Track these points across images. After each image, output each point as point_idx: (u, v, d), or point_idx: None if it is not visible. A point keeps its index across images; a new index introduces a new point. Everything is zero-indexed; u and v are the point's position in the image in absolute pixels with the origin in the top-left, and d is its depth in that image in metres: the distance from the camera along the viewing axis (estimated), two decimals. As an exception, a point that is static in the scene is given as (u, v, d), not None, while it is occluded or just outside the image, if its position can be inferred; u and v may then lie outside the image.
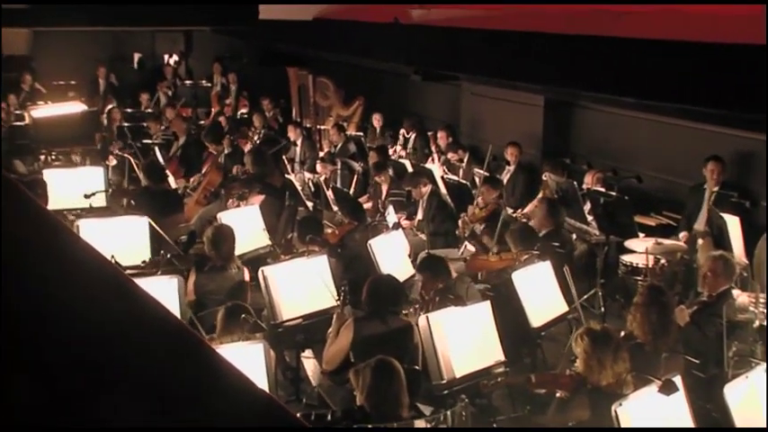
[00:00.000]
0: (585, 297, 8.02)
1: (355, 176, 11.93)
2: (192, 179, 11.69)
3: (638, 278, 7.97)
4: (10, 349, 1.42)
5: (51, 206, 7.83)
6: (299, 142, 13.60)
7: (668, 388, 4.49)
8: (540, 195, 9.80)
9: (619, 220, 8.33)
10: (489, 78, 10.62)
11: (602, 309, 8.10)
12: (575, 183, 9.10)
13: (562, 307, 6.87)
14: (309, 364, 6.68)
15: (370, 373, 4.59)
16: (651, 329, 5.56)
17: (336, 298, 6.30)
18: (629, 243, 8.33)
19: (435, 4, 10.66)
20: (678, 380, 4.60)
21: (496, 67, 9.66)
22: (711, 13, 6.87)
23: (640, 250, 8.05)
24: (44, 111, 12.82)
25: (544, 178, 9.94)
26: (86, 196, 8.62)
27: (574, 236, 9.01)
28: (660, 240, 8.23)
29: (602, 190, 8.87)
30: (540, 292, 6.69)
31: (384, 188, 10.57)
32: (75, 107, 13.20)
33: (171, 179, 10.73)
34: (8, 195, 1.68)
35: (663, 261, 8.02)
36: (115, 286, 1.62)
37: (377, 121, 14.57)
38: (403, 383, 4.58)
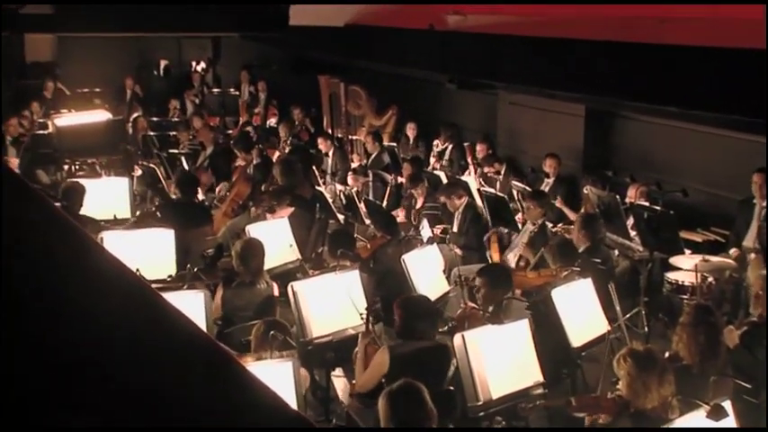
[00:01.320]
0: (628, 316, 7.95)
1: (388, 189, 11.93)
2: (217, 189, 11.72)
3: (685, 297, 7.90)
4: (28, 356, 1.43)
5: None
6: (330, 153, 13.63)
7: (717, 413, 4.43)
8: (581, 210, 9.77)
9: (663, 235, 8.25)
10: (528, 87, 10.60)
11: (646, 328, 8.03)
12: (617, 196, 9.04)
13: (603, 326, 6.80)
14: (340, 383, 6.67)
15: (388, 400, 4.58)
16: (698, 351, 5.50)
17: (361, 315, 6.26)
18: (675, 260, 8.26)
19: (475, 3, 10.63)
20: (728, 405, 4.54)
21: (535, 76, 9.64)
22: (759, 19, 6.80)
23: (686, 267, 7.98)
24: (68, 119, 12.93)
25: (585, 191, 9.88)
26: (114, 219, 8.68)
27: (616, 252, 8.95)
28: (707, 257, 8.16)
29: (646, 204, 8.80)
30: (581, 310, 6.63)
31: (420, 201, 10.57)
32: (99, 115, 13.31)
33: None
34: (33, 205, 1.69)
35: (710, 279, 7.94)
36: (141, 299, 1.63)
37: (411, 130, 14.57)
38: (426, 406, 4.54)
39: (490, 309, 6.60)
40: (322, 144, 13.80)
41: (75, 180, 9.37)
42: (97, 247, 1.84)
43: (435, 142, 13.92)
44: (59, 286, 1.56)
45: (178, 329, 1.63)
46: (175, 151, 13.53)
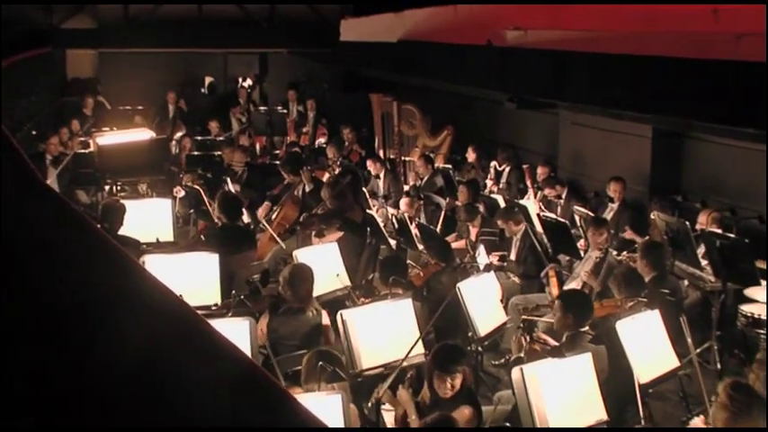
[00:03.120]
0: (699, 350, 7.85)
1: (443, 213, 11.90)
2: (259, 210, 11.74)
3: (761, 331, 7.78)
4: (69, 378, 1.45)
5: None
6: (381, 175, 13.66)
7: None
8: (647, 237, 9.67)
9: (737, 265, 8.14)
10: (592, 107, 10.54)
11: (718, 365, 7.91)
12: (687, 223, 8.94)
13: (672, 361, 6.72)
14: (390, 417, 6.65)
15: None
16: (777, 390, 5.41)
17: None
18: (750, 291, 8.14)
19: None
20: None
21: (600, 95, 9.58)
22: None
23: (763, 299, 7.86)
24: (110, 138, 13.11)
25: (652, 218, 9.79)
26: (157, 242, 8.78)
27: (686, 282, 8.84)
28: (786, 289, 8.04)
29: (719, 231, 8.70)
30: (648, 343, 6.56)
31: (474, 232, 10.51)
32: (142, 134, 13.49)
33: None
34: (73, 226, 1.71)
35: (790, 312, 7.82)
36: (186, 324, 1.64)
37: (472, 153, 14.46)
38: None
39: (564, 337, 6.58)
40: (372, 166, 13.84)
41: (115, 198, 9.46)
42: (140, 269, 1.86)
43: (492, 164, 13.88)
44: (100, 309, 1.58)
45: (225, 357, 1.64)
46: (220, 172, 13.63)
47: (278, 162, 13.94)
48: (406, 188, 13.45)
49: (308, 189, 11.83)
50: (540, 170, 12.69)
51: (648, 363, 6.47)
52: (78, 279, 1.57)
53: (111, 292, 1.60)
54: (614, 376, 6.32)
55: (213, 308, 7.24)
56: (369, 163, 14.05)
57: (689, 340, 6.67)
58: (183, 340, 1.59)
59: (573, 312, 6.64)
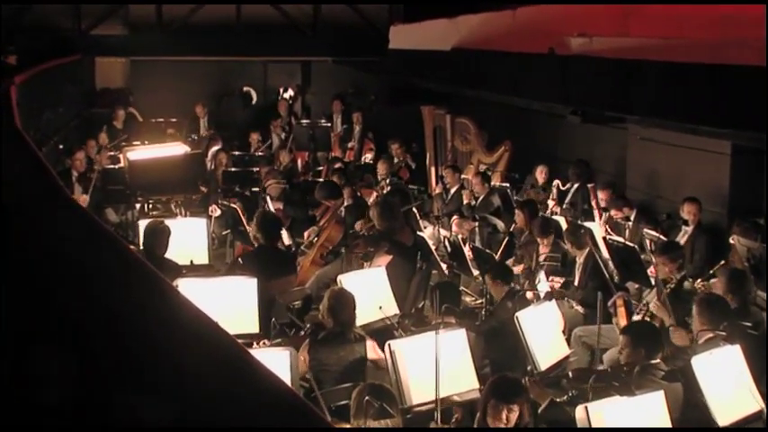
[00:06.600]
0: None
1: (505, 237, 11.81)
2: (306, 233, 11.77)
3: None
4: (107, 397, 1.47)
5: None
6: (453, 190, 13.66)
7: None
8: (723, 262, 9.55)
9: (828, 295, 8.03)
10: (664, 121, 10.46)
11: (808, 407, 7.77)
12: (771, 249, 8.84)
13: (756, 403, 6.61)
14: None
15: None
16: None
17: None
18: (842, 325, 8.00)
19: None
20: None
21: (674, 108, 9.51)
22: None
23: None
24: (142, 153, 13.21)
25: (732, 242, 9.66)
26: (191, 264, 8.82)
27: (769, 314, 8.72)
28: None
29: (807, 258, 8.59)
30: (729, 382, 6.46)
31: (543, 252, 10.39)
32: (176, 149, 13.56)
33: (284, 233, 10.87)
34: (105, 246, 1.73)
35: None
36: (223, 349, 1.65)
37: (541, 174, 14.28)
38: None
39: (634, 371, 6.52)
40: (449, 176, 13.86)
41: (160, 220, 9.47)
42: (176, 293, 1.87)
43: (555, 182, 13.76)
44: (134, 331, 1.59)
45: (265, 386, 1.65)
46: (258, 189, 13.69)
47: (321, 180, 13.99)
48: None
49: (346, 204, 11.84)
50: (600, 194, 12.45)
51: (728, 403, 6.36)
52: (109, 301, 1.58)
53: (147, 316, 1.61)
54: (689, 417, 6.23)
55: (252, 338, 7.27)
56: (446, 173, 14.15)
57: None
58: (222, 369, 1.59)
59: (646, 347, 6.58)
